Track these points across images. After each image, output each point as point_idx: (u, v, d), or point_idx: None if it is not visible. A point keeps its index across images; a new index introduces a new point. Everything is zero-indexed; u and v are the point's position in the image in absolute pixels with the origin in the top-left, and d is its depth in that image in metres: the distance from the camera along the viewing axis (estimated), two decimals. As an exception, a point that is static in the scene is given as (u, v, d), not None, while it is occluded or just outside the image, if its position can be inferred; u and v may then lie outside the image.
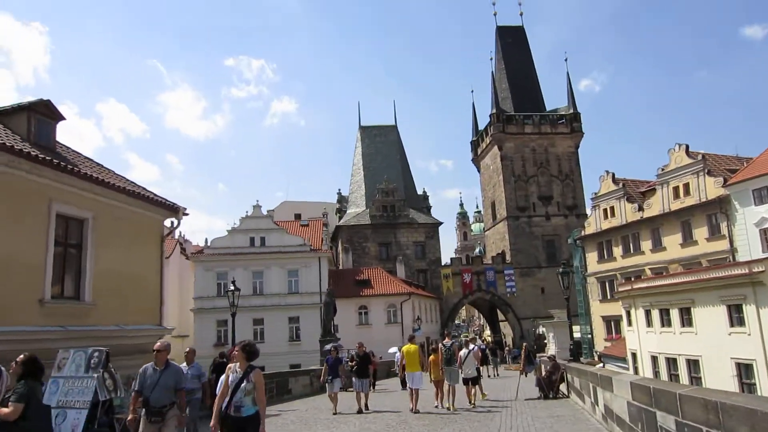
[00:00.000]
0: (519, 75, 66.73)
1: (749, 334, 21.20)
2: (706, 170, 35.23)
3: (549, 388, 15.01)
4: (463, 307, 74.91)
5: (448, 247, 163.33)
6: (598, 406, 9.95)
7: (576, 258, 47.20)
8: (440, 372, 13.20)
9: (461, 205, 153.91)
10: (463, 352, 13.88)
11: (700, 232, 35.07)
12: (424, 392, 13.99)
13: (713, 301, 23.04)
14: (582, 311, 43.89)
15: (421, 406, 13.18)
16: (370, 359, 15.91)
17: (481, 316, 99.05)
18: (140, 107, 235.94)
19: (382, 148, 63.79)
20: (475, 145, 69.99)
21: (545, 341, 50.32)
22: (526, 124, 62.42)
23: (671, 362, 25.92)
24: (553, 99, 66.63)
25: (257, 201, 44.93)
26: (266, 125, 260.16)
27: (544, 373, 15.67)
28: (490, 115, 62.77)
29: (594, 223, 44.62)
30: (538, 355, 20.85)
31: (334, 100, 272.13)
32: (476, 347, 15.36)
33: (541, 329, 52.70)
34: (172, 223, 17.33)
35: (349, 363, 13.87)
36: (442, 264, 58.22)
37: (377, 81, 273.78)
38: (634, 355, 30.13)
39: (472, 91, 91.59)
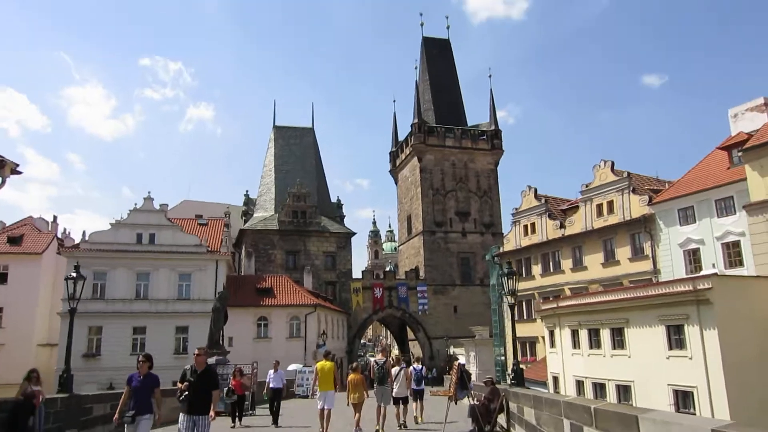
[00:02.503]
0: (442, 87, 65.25)
1: (690, 358, 19.19)
2: (631, 188, 34.15)
3: (485, 419, 11.80)
4: (371, 325, 71.64)
5: (359, 265, 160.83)
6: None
7: (493, 276, 45.18)
8: (364, 393, 12.23)
9: (374, 223, 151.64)
10: (395, 369, 13.27)
11: (623, 252, 33.80)
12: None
13: (650, 321, 21.00)
14: (497, 332, 41.68)
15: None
16: (212, 378, 8.47)
17: (389, 335, 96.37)
18: (42, 99, 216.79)
19: (296, 150, 59.76)
20: (393, 156, 67.61)
21: (456, 362, 47.82)
22: (447, 137, 60.71)
23: (599, 387, 23.74)
24: (474, 117, 65.54)
25: (149, 193, 39.42)
26: (180, 130, 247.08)
27: (478, 400, 12.48)
28: (411, 125, 60.55)
29: (513, 240, 42.83)
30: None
31: (252, 105, 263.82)
32: (414, 368, 14.25)
33: (452, 349, 50.29)
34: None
35: (179, 387, 7.07)
36: (353, 277, 54.66)
37: (296, 86, 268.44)
38: (555, 378, 27.90)
39: (394, 101, 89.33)
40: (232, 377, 16.23)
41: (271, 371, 16.41)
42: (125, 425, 8.01)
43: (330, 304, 47.40)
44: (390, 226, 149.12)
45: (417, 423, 13.98)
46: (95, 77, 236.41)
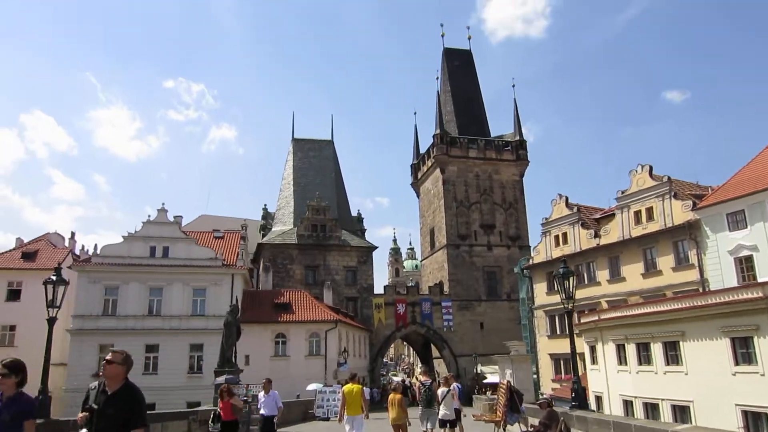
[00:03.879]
0: (465, 99, 63.48)
1: (762, 375, 16.83)
2: (672, 193, 31.89)
3: (543, 447, 9.76)
4: (392, 344, 69.28)
5: (381, 281, 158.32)
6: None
7: (522, 289, 42.98)
8: (404, 415, 11.74)
9: (394, 240, 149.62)
10: (441, 390, 12.73)
11: (665, 261, 31.45)
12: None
13: (712, 332, 18.69)
14: (528, 348, 39.27)
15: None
16: (128, 404, 4.83)
17: (412, 353, 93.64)
18: (69, 122, 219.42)
19: (315, 162, 58.26)
20: (415, 168, 65.80)
21: (485, 380, 45.34)
22: (470, 148, 58.74)
23: (651, 408, 21.36)
24: (497, 132, 63.36)
25: (162, 204, 38.04)
26: (203, 150, 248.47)
27: (532, 426, 10.45)
28: (433, 136, 58.74)
29: (544, 251, 40.60)
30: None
31: (273, 123, 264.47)
32: (456, 386, 13.11)
33: (480, 367, 47.84)
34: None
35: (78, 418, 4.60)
36: (375, 293, 52.60)
37: (315, 100, 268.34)
38: (598, 398, 25.46)
39: (415, 113, 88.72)
40: (219, 399, 11.98)
41: (261, 393, 12.57)
42: None
43: (351, 321, 45.40)
44: (411, 244, 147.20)
45: None
46: (120, 99, 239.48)
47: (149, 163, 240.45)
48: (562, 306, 37.40)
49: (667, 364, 20.87)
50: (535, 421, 11.24)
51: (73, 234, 48.51)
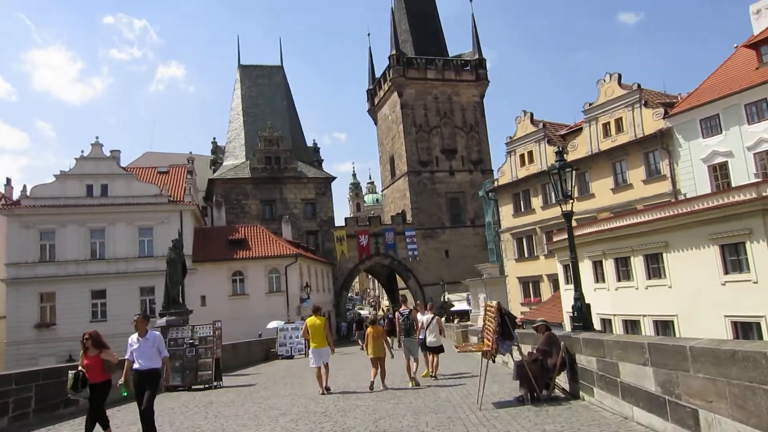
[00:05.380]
0: (420, 15, 59.97)
1: (755, 282, 15.68)
2: (643, 101, 30.31)
3: (541, 382, 8.12)
4: (357, 278, 68.17)
5: (342, 214, 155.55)
6: None
7: (488, 213, 41.63)
8: (385, 346, 11.73)
9: (354, 175, 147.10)
10: (426, 317, 13.02)
11: (636, 174, 30.23)
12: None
13: (698, 241, 17.41)
14: (499, 271, 38.31)
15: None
16: None
17: (378, 286, 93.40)
18: (3, 65, 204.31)
19: (265, 91, 54.51)
20: (371, 94, 62.72)
21: (452, 308, 44.67)
22: (428, 68, 55.90)
23: (631, 325, 20.37)
24: (455, 49, 60.38)
25: (96, 138, 34.49)
26: (152, 91, 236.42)
27: (530, 354, 8.80)
28: (389, 57, 55.56)
29: (509, 172, 39.00)
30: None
31: (222, 55, 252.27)
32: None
33: (447, 296, 47.11)
34: None
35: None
36: (336, 225, 50.67)
37: (263, 26, 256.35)
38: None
39: (369, 34, 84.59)
40: (82, 352, 7.69)
41: (134, 336, 7.65)
42: None
43: (312, 255, 43.56)
44: (371, 178, 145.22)
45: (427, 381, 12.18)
46: (58, 39, 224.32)
47: (95, 107, 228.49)
48: (529, 228, 35.99)
49: (649, 278, 19.74)
50: (527, 349, 9.62)
51: (8, 180, 43.99)
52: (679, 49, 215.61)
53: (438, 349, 12.90)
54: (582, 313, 9.01)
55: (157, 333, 7.68)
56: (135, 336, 7.59)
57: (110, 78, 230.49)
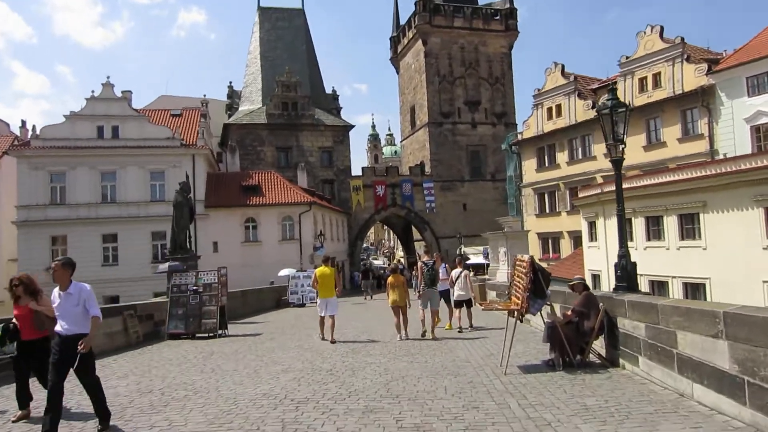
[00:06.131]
0: (448, -41, 56.89)
1: (802, 250, 14.46)
2: (685, 56, 28.31)
3: (575, 346, 7.23)
4: (372, 228, 67.50)
5: (359, 163, 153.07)
6: None
7: (510, 167, 40.19)
8: (405, 295, 11.59)
9: (373, 126, 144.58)
10: (455, 271, 13.18)
11: (671, 132, 28.59)
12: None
13: (741, 202, 16.15)
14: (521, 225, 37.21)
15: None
16: None
17: (393, 237, 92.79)
18: (23, 7, 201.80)
19: (284, 34, 52.61)
20: (395, 42, 60.38)
21: (467, 261, 43.75)
22: (456, 17, 53.33)
23: (658, 286, 19.32)
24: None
25: (108, 78, 33.40)
26: (173, 36, 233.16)
27: (562, 316, 7.89)
28: (415, 3, 53.05)
29: (535, 125, 37.41)
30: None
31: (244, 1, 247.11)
32: (444, 266, 13.90)
33: (463, 249, 46.14)
34: None
35: None
36: (353, 175, 49.57)
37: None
38: (595, 277, 23.50)
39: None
40: (13, 302, 6.29)
41: (55, 291, 5.65)
42: None
43: (327, 204, 42.71)
44: (390, 130, 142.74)
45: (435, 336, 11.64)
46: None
47: (116, 52, 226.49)
48: (552, 184, 34.58)
49: (682, 239, 18.59)
50: (558, 309, 8.66)
51: (23, 122, 43.30)
52: (724, 6, 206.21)
53: (468, 303, 13.04)
54: (627, 272, 7.94)
55: (86, 286, 5.60)
56: (56, 290, 5.56)
57: (131, 22, 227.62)
